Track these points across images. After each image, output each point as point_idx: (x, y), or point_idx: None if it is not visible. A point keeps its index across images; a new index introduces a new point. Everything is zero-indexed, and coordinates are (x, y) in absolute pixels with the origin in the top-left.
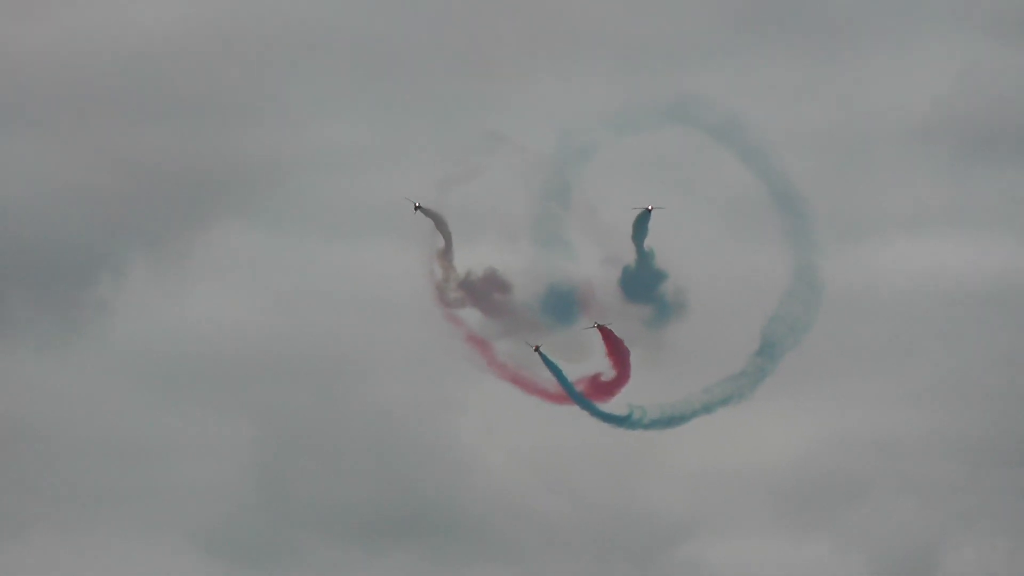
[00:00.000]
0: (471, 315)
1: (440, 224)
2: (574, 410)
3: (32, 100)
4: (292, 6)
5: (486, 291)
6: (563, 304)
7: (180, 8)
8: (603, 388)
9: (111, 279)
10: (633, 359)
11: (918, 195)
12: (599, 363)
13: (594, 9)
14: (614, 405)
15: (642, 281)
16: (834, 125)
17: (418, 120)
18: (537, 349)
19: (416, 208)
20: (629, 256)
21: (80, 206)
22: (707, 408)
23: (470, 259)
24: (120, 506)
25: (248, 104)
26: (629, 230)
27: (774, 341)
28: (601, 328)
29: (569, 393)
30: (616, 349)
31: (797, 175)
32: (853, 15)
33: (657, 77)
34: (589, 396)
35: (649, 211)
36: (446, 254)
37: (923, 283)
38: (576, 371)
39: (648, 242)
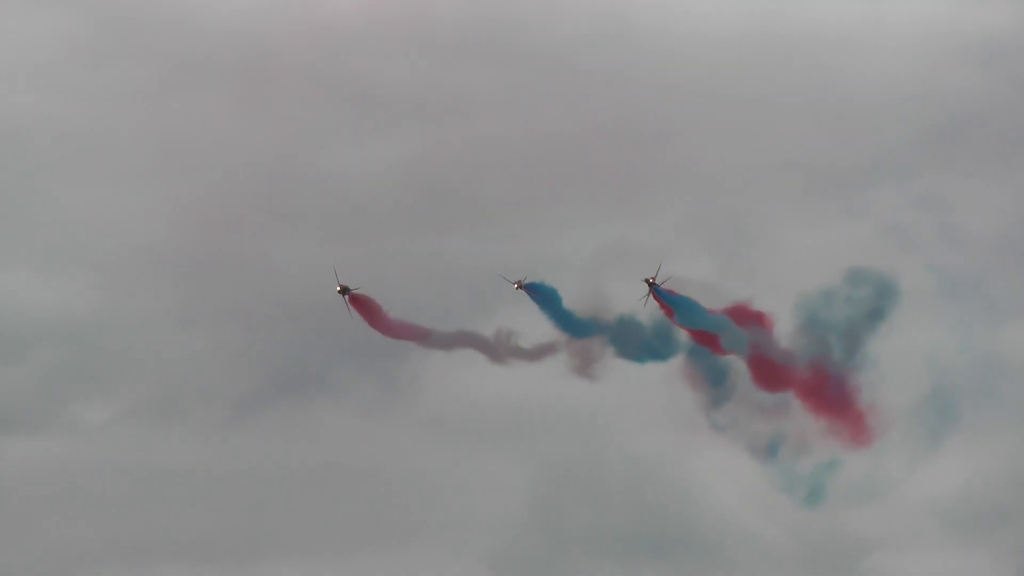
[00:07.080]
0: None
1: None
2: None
3: (337, 211)
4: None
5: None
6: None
7: (451, 126)
8: (855, 431)
9: (420, 357)
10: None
11: None
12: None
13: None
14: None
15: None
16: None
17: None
18: (520, 285)
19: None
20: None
21: (392, 297)
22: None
23: None
24: (429, 533)
25: (520, 211)
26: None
27: (948, 398)
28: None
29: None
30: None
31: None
32: None
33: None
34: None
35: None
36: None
37: None
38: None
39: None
